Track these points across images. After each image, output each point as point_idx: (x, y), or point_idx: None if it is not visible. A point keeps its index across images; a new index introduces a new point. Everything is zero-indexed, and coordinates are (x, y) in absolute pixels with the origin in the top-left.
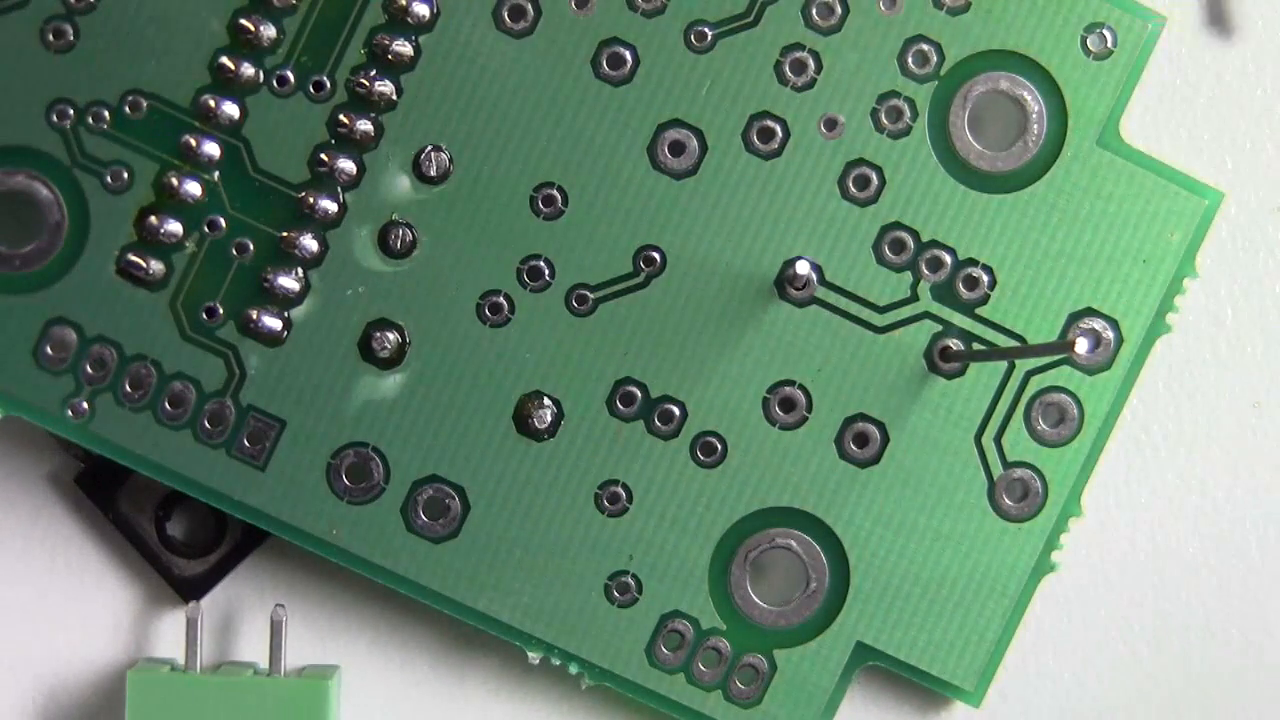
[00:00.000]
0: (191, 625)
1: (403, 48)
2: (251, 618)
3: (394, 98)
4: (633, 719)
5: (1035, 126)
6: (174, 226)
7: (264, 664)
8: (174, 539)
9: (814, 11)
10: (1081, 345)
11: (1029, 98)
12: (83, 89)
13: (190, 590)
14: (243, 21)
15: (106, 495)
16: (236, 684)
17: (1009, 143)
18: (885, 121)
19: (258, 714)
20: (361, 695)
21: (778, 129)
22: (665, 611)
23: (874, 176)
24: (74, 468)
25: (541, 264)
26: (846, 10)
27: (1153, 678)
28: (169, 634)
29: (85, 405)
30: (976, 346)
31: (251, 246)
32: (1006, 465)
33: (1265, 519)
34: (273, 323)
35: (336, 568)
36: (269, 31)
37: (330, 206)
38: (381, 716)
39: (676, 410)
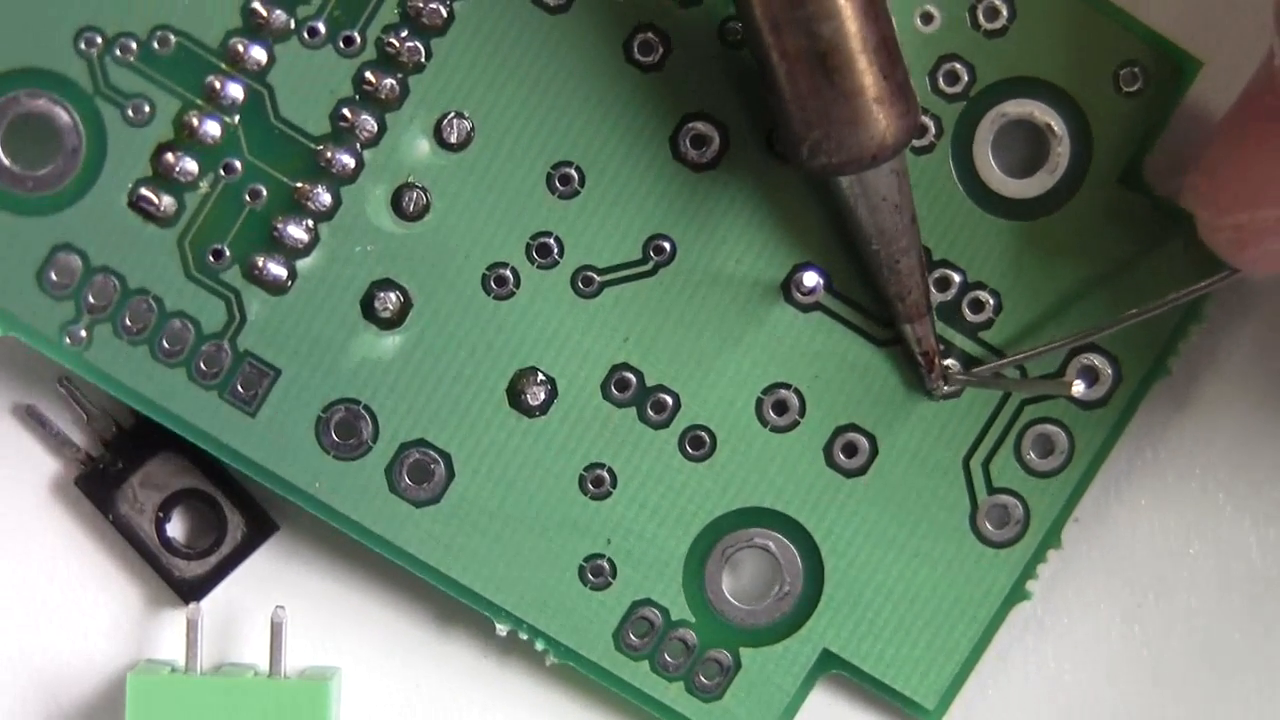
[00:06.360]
0: (191, 627)
1: (436, 11)
2: (251, 619)
3: (423, 60)
4: (594, 701)
5: (1059, 157)
6: (190, 165)
7: (264, 665)
8: (174, 541)
9: None
10: (1078, 388)
11: (1056, 127)
12: (113, 19)
13: (190, 592)
14: None
15: (106, 497)
16: (236, 685)
17: (1031, 170)
18: None
19: (257, 715)
20: (361, 697)
21: None
22: (637, 598)
23: None
24: (74, 469)
25: (551, 241)
26: None
27: (1153, 677)
28: (169, 635)
29: (83, 333)
30: (975, 370)
31: (265, 193)
32: (991, 490)
33: (1265, 519)
34: (278, 271)
35: (337, 569)
36: None
37: (348, 161)
38: (381, 718)
39: (670, 400)
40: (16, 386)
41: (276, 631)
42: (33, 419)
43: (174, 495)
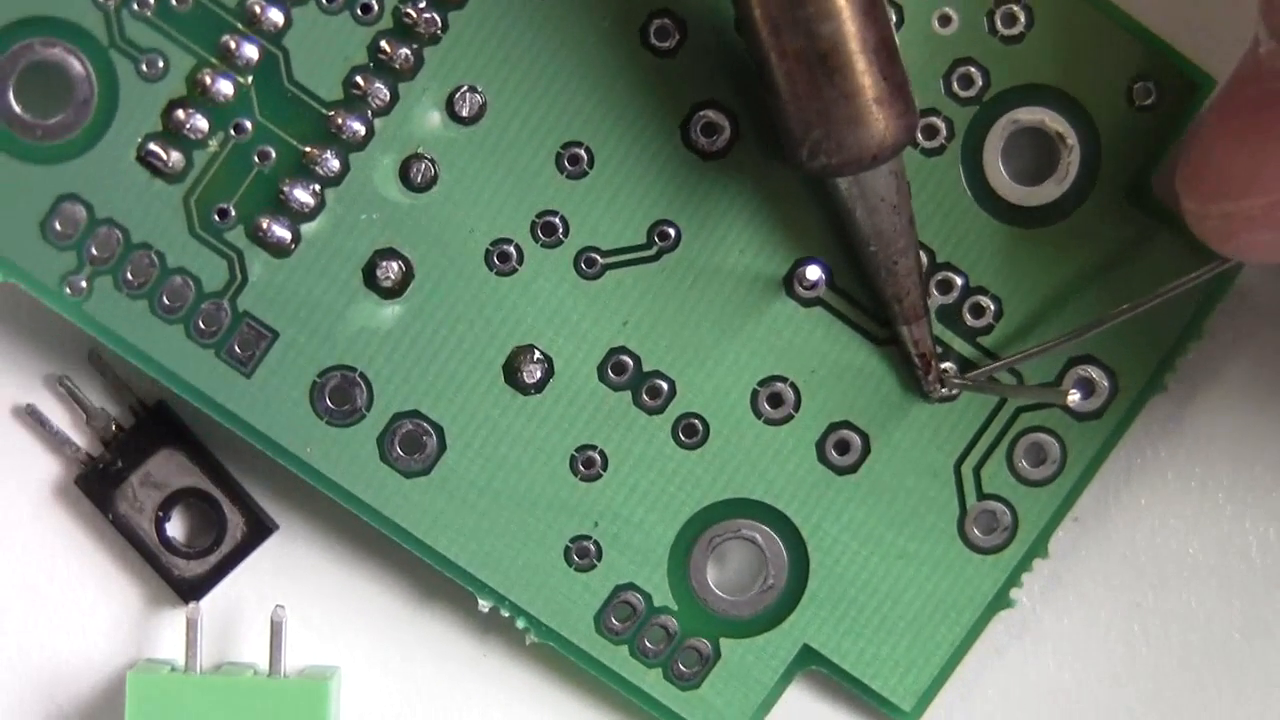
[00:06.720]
0: (191, 626)
1: None
2: (251, 618)
3: (439, 33)
4: (573, 681)
5: (1068, 166)
6: (200, 123)
7: (263, 665)
8: (174, 540)
9: None
10: (1074, 397)
11: (1066, 137)
12: None
13: (190, 591)
14: None
15: (106, 496)
16: (236, 685)
17: (1040, 179)
18: (920, 138)
19: (257, 714)
20: (361, 696)
21: None
22: (621, 582)
23: None
24: (74, 469)
25: (557, 220)
26: (901, 21)
27: (1153, 677)
28: (169, 635)
29: (84, 284)
30: (971, 374)
31: (274, 155)
32: (981, 496)
33: (1265, 519)
34: (282, 233)
35: (336, 568)
36: None
37: (358, 129)
38: (381, 717)
39: (665, 387)
40: (16, 386)
41: (276, 631)
42: (33, 419)
43: (173, 494)
